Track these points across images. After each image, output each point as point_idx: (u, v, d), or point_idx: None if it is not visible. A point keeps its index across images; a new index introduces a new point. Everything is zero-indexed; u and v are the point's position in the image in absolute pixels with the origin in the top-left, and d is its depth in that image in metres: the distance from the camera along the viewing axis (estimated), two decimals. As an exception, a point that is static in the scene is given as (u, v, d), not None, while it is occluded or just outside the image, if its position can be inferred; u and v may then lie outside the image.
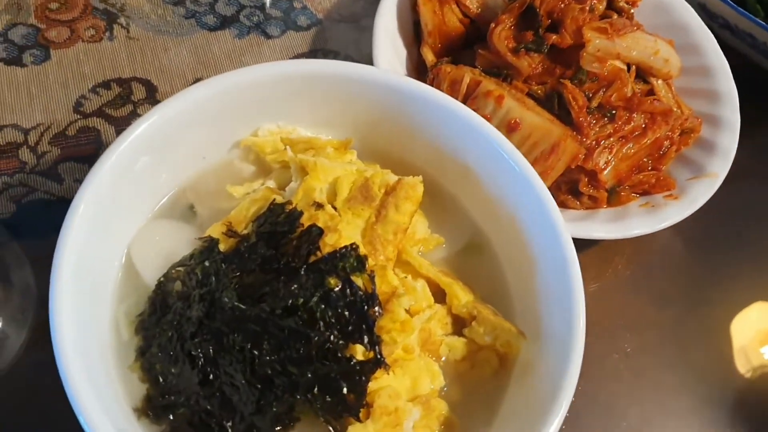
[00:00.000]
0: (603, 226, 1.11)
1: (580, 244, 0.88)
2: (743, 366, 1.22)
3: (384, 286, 0.85)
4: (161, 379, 0.81)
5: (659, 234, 1.15)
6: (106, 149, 0.83)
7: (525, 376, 0.88)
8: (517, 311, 0.94)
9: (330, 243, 0.86)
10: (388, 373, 0.81)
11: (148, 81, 1.24)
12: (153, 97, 1.22)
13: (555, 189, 1.16)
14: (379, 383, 0.81)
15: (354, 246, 0.84)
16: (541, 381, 0.83)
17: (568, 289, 0.85)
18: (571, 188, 1.16)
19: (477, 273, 0.97)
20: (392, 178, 0.93)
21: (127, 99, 1.22)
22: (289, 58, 1.32)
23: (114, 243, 0.88)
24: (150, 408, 0.80)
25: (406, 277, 0.89)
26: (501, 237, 0.99)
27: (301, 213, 0.87)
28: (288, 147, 0.95)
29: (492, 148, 0.94)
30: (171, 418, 0.80)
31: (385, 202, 0.91)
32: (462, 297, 0.90)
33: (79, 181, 1.08)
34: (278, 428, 0.80)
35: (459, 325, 0.91)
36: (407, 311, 0.86)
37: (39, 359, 0.96)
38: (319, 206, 0.89)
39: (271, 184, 0.96)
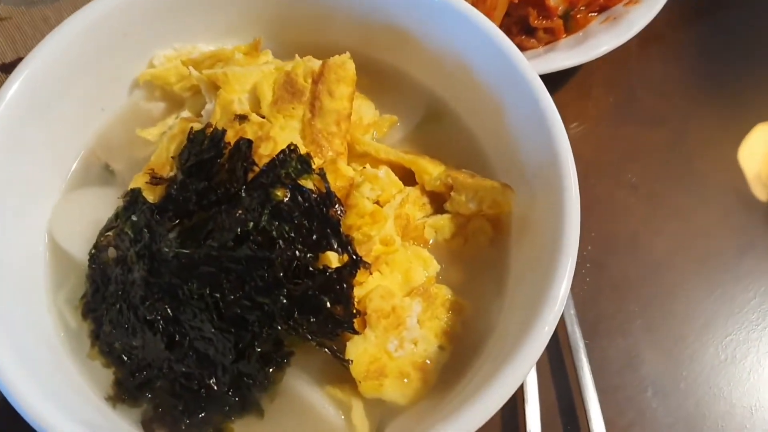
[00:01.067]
0: (567, 54, 1.00)
1: (550, 84, 0.77)
2: (762, 163, 1.11)
3: (339, 181, 0.74)
4: (125, 358, 0.71)
5: (631, 49, 1.05)
6: None
7: (524, 233, 0.78)
8: (498, 168, 0.84)
9: (267, 153, 0.75)
10: (371, 273, 0.71)
11: (36, 57, 1.11)
12: (45, 72, 1.07)
13: (506, 33, 1.02)
14: (367, 286, 0.72)
15: (292, 147, 0.73)
16: (542, 233, 0.73)
17: (544, 124, 0.75)
18: (524, 27, 1.05)
19: (444, 142, 0.86)
20: (316, 63, 0.81)
21: (18, 82, 1.08)
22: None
23: (30, 229, 0.77)
24: (123, 392, 0.71)
25: (364, 167, 0.78)
26: (459, 95, 0.88)
27: (223, 131, 0.76)
28: (191, 68, 0.83)
29: (421, -2, 0.80)
30: (149, 395, 0.70)
31: (315, 92, 0.79)
32: (432, 170, 0.80)
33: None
34: (271, 369, 0.69)
35: (438, 202, 0.81)
36: (377, 203, 0.76)
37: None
38: (243, 118, 0.77)
39: (185, 114, 0.84)
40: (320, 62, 0.81)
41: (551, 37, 1.05)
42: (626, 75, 1.14)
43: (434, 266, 0.76)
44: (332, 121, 0.79)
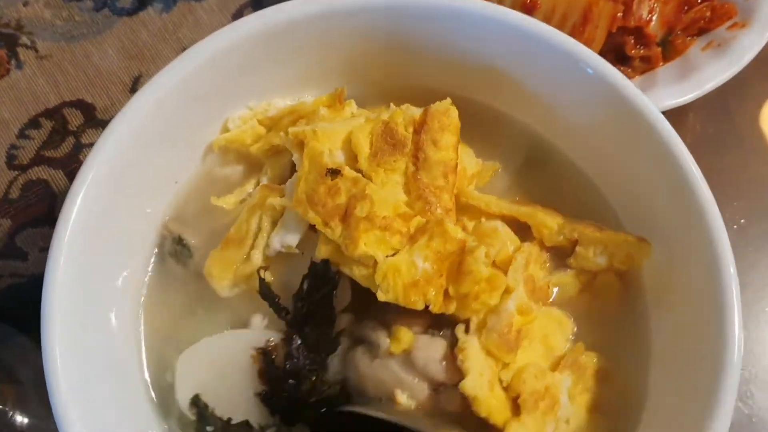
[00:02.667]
0: (671, 90, 0.94)
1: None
2: None
3: (449, 245, 0.68)
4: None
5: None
6: (56, 227, 0.66)
7: (665, 295, 0.73)
8: (620, 213, 0.79)
9: (363, 215, 0.69)
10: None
11: (81, 101, 1.05)
12: (93, 118, 1.04)
13: (599, 63, 0.95)
14: (516, 365, 0.68)
15: None
16: (692, 302, 0.68)
17: (676, 164, 0.70)
18: (618, 56, 0.99)
19: (553, 187, 0.81)
20: (415, 111, 0.75)
21: (65, 131, 1.03)
22: (232, 13, 1.10)
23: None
24: None
25: (480, 221, 0.74)
26: (563, 134, 0.82)
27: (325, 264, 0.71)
28: (282, 134, 0.76)
29: (516, 33, 0.75)
30: None
31: (418, 142, 0.74)
32: (551, 223, 0.75)
33: (45, 249, 0.90)
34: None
35: (558, 257, 0.76)
36: (494, 263, 0.71)
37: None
38: (335, 173, 0.71)
39: (265, 180, 0.79)
40: (420, 110, 0.75)
41: (647, 66, 0.99)
42: (724, 101, 1.06)
43: (569, 326, 0.72)
44: (439, 173, 0.73)
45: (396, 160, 0.73)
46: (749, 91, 1.08)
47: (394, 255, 0.68)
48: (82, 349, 0.64)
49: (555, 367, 0.69)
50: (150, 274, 0.77)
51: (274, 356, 0.71)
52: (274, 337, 0.72)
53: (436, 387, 0.68)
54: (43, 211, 0.96)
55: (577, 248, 0.73)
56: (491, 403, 0.65)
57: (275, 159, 0.79)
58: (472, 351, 0.66)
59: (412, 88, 0.83)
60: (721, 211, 0.97)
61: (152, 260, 0.77)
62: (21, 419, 0.86)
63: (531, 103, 0.81)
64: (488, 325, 0.67)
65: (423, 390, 0.67)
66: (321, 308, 0.70)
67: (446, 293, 0.68)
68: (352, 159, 0.74)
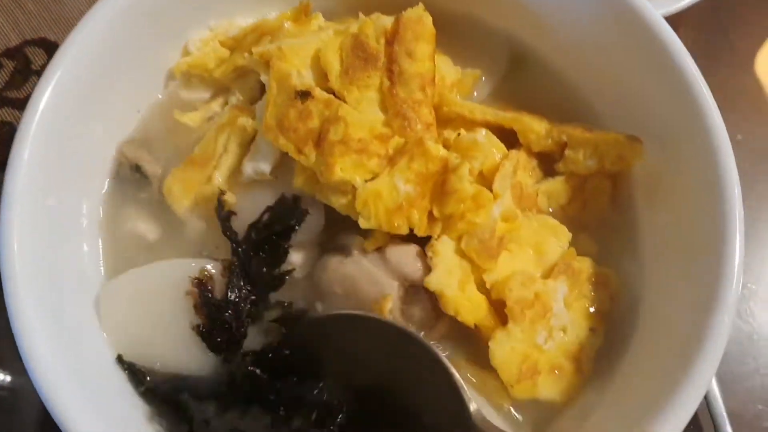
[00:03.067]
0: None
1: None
2: None
3: (430, 165, 0.66)
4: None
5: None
6: (11, 152, 0.65)
7: (658, 193, 0.70)
8: (608, 118, 0.75)
9: (338, 139, 0.65)
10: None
11: (44, 39, 1.00)
12: (57, 57, 0.96)
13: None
14: (499, 271, 0.65)
15: None
16: (689, 198, 0.66)
17: (670, 58, 0.66)
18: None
19: (538, 92, 0.78)
20: (387, 20, 0.72)
21: (28, 71, 0.98)
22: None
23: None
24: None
25: (458, 134, 0.70)
26: (545, 37, 0.78)
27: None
28: (247, 54, 0.72)
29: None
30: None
31: (391, 54, 0.70)
32: (538, 127, 0.72)
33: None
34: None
35: (547, 164, 0.74)
36: (481, 173, 0.69)
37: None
38: (305, 95, 0.67)
39: (235, 100, 0.75)
40: (391, 18, 0.72)
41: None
42: (716, 15, 1.03)
43: (565, 234, 0.70)
44: (416, 87, 0.70)
45: (369, 76, 0.70)
46: (742, 6, 1.04)
47: (373, 179, 0.66)
48: (45, 277, 0.61)
49: (548, 274, 0.67)
50: (108, 200, 0.72)
51: (210, 287, 0.66)
52: (212, 266, 0.67)
53: (407, 288, 0.66)
54: (7, 154, 0.93)
55: (566, 152, 0.71)
56: (460, 302, 0.63)
57: (242, 81, 0.76)
58: (443, 249, 0.64)
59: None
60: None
61: (108, 185, 0.73)
62: (3, 377, 0.83)
63: (511, 7, 0.77)
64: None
65: (394, 288, 0.65)
66: (276, 242, 0.67)
67: (431, 215, 0.66)
68: (323, 78, 0.70)
